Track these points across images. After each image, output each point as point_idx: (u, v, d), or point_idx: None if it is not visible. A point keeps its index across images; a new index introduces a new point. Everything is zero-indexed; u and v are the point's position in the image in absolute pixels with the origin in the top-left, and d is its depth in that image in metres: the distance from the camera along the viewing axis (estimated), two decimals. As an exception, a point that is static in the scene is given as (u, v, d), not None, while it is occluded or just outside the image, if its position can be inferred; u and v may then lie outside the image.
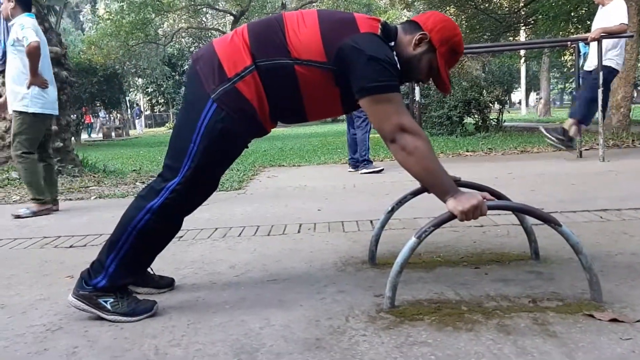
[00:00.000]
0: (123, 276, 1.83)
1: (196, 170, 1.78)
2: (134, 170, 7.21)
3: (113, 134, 25.61)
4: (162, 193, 1.80)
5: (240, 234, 3.05)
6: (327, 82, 1.75)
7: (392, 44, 1.79)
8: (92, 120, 29.34)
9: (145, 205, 1.80)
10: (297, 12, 1.85)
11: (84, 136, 24.40)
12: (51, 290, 2.19)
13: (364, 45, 1.68)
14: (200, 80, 1.79)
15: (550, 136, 5.48)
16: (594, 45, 5.49)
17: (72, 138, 8.63)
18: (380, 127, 1.71)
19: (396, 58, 1.76)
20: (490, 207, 1.74)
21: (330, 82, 1.75)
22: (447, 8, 13.13)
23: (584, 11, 12.04)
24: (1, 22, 5.32)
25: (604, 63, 5.42)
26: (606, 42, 5.48)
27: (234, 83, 1.74)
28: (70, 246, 3.01)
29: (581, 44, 5.89)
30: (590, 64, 5.65)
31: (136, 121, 34.65)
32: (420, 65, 1.83)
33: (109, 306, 1.79)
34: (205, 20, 26.68)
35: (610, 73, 5.57)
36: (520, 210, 1.82)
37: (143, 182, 5.86)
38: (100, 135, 26.90)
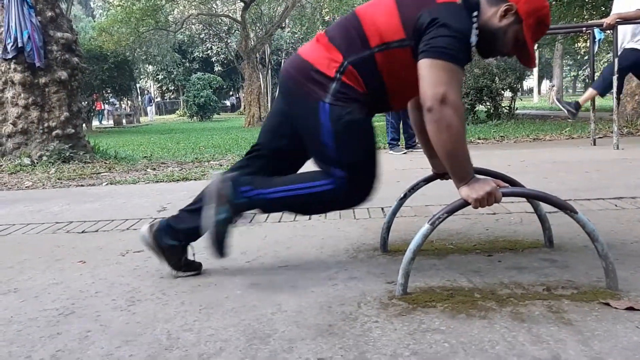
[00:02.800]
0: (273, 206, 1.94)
1: (349, 167, 1.81)
2: (145, 156, 7.24)
3: (124, 120, 25.71)
4: (331, 179, 1.84)
5: (251, 220, 3.04)
6: (407, 59, 1.73)
7: (475, 14, 1.74)
8: (103, 107, 29.40)
9: (328, 178, 1.84)
10: (370, 2, 1.86)
11: (95, 123, 24.50)
12: (63, 274, 2.21)
13: (439, 14, 1.67)
14: (303, 93, 1.80)
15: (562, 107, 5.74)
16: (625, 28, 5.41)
17: (84, 124, 8.65)
18: (424, 92, 1.65)
19: (475, 32, 1.72)
20: (505, 194, 1.72)
21: (410, 59, 1.72)
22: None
23: (599, -3, 11.85)
24: (24, 14, 5.32)
25: (636, 46, 5.40)
26: (633, 29, 5.42)
27: (339, 79, 1.75)
28: (83, 231, 3.02)
29: (596, 30, 5.80)
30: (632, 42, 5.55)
31: (148, 108, 34.63)
32: (506, 37, 1.78)
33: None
34: (215, 6, 26.55)
35: None
36: (535, 197, 1.80)
37: (154, 169, 5.88)
38: (111, 122, 27.00)
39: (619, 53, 5.34)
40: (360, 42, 1.76)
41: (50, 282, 2.11)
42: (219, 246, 1.90)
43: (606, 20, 5.38)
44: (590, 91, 5.71)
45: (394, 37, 1.73)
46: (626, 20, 5.32)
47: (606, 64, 5.97)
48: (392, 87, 1.81)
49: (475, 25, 1.72)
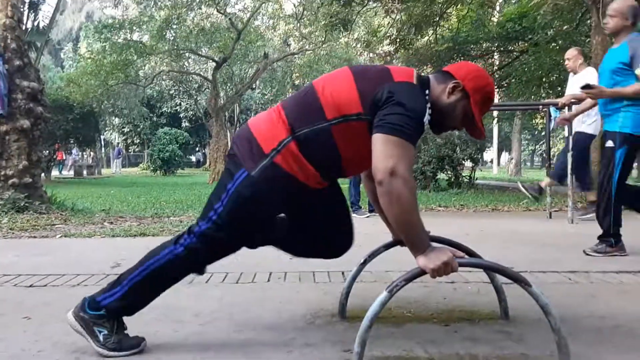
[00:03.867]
0: (126, 301, 1.88)
1: (217, 227, 1.85)
2: (103, 209, 7.08)
3: (85, 172, 25.25)
4: (186, 239, 1.89)
5: (207, 280, 2.98)
6: (364, 133, 1.77)
7: (427, 92, 1.83)
8: (64, 157, 28.84)
9: (170, 245, 1.91)
10: (327, 75, 1.94)
11: (54, 173, 23.98)
12: (6, 331, 2.10)
13: (396, 92, 1.73)
14: (238, 159, 1.85)
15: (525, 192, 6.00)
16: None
17: (42, 174, 8.46)
18: (375, 166, 1.69)
19: (428, 110, 1.79)
20: (462, 264, 1.73)
21: (366, 133, 1.77)
22: (424, 67, 13.52)
23: (554, 77, 12.52)
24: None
25: (585, 130, 5.70)
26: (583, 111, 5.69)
27: (272, 158, 1.79)
28: (30, 285, 2.90)
29: (552, 109, 6.09)
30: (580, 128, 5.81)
31: (116, 161, 33.97)
32: (455, 113, 1.87)
33: (101, 337, 1.84)
34: (187, 64, 26.90)
35: (589, 139, 5.82)
36: (491, 269, 1.82)
37: (111, 223, 5.74)
38: (72, 172, 26.46)
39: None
40: (315, 114, 1.80)
41: (-10, 339, 2.00)
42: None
43: (561, 100, 5.65)
44: (550, 180, 6.04)
45: (352, 111, 1.78)
46: (580, 100, 5.60)
47: (559, 153, 6.30)
48: (347, 156, 1.85)
49: (428, 105, 1.80)
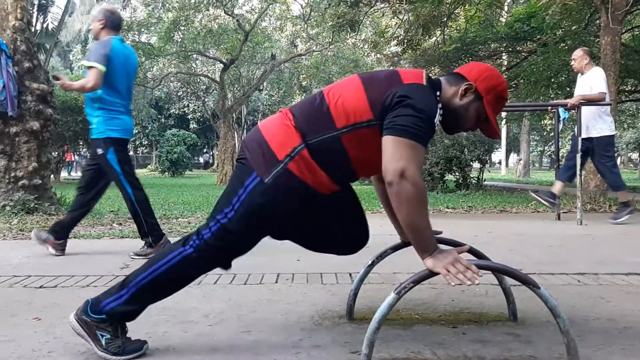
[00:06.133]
0: (133, 305, 1.87)
1: (226, 230, 1.84)
2: (112, 211, 7.12)
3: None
4: (195, 240, 1.88)
5: (216, 281, 2.99)
6: (374, 138, 1.76)
7: (438, 94, 1.83)
8: (73, 159, 29.03)
9: (179, 247, 1.88)
10: (336, 83, 1.93)
11: (63, 174, 24.13)
12: (17, 331, 2.12)
13: (407, 93, 1.73)
14: (250, 164, 1.83)
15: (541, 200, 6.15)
16: (586, 113, 5.76)
17: (52, 175, 8.50)
18: (385, 166, 1.68)
19: (440, 111, 1.79)
20: (470, 266, 1.73)
21: (377, 138, 1.75)
22: (432, 68, 13.48)
23: (563, 78, 12.45)
24: (1, 64, 5.34)
25: (606, 133, 5.79)
26: (593, 114, 5.73)
27: (286, 165, 1.77)
28: (40, 286, 2.92)
29: (561, 110, 6.07)
30: (585, 132, 5.86)
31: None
32: (468, 114, 1.86)
33: (103, 341, 1.83)
34: (195, 66, 26.95)
35: (612, 138, 5.91)
36: (499, 271, 1.81)
37: (120, 224, 5.77)
38: (80, 173, 26.60)
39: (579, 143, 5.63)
40: (325, 123, 1.79)
41: (2, 339, 2.01)
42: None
43: (570, 101, 5.65)
44: (559, 183, 6.08)
45: (362, 118, 1.77)
46: (589, 101, 5.59)
47: (567, 151, 6.33)
48: (358, 162, 1.85)
49: (439, 105, 1.79)
